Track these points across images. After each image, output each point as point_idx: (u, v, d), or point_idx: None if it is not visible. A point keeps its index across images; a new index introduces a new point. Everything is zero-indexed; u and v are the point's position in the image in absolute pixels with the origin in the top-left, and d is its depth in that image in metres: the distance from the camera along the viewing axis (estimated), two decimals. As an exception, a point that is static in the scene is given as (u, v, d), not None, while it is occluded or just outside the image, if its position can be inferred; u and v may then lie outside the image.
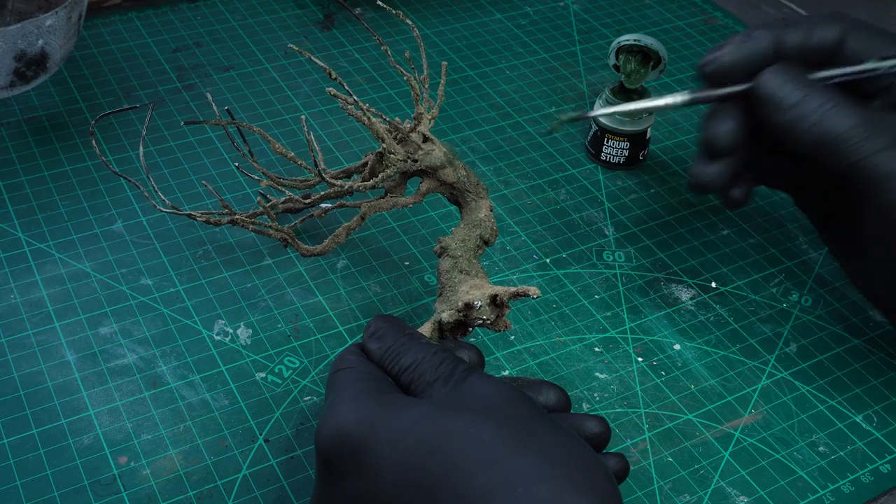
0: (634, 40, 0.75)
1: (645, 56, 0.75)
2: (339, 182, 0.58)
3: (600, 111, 0.60)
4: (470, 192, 0.58)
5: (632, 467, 0.55)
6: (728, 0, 0.99)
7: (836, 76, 0.56)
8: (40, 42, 0.66)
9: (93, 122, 0.58)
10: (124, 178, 0.61)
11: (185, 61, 0.82)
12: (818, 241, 0.70)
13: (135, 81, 0.79)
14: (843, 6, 0.99)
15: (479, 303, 0.52)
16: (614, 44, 0.76)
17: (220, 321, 0.61)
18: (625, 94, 0.76)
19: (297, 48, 0.59)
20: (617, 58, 0.76)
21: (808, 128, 0.54)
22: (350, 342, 0.61)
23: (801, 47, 0.56)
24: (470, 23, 0.91)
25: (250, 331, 0.61)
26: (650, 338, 0.63)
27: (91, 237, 0.66)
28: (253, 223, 0.60)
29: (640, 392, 0.59)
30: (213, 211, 0.62)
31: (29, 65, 0.67)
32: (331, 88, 0.56)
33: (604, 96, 0.77)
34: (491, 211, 0.58)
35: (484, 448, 0.40)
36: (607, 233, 0.70)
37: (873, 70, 0.55)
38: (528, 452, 0.40)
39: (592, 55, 0.88)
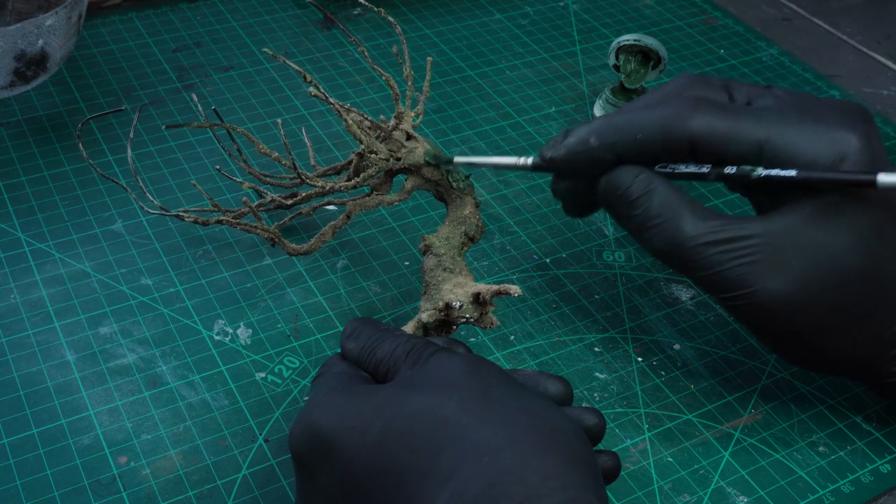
0: (634, 40, 0.75)
1: (645, 56, 0.76)
2: (320, 183, 0.58)
3: (461, 159, 0.58)
4: (454, 189, 0.58)
5: (632, 467, 0.55)
6: (728, 0, 0.99)
7: (678, 173, 0.53)
8: (40, 42, 0.66)
9: (78, 126, 0.58)
10: (111, 180, 0.61)
11: (185, 61, 0.82)
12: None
13: (135, 81, 0.79)
14: (842, 7, 0.99)
15: (459, 303, 0.52)
16: (614, 44, 0.76)
17: (220, 321, 0.61)
18: (625, 93, 0.76)
19: (271, 52, 0.59)
20: (617, 58, 0.76)
21: (651, 237, 0.52)
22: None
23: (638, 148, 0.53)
24: (470, 23, 0.91)
25: (250, 330, 0.61)
26: (650, 337, 0.63)
27: (91, 237, 0.66)
28: (239, 223, 0.59)
29: (639, 392, 0.59)
30: (203, 209, 0.62)
31: (29, 65, 0.67)
32: (311, 89, 0.56)
33: (604, 96, 0.77)
34: (476, 208, 0.58)
35: (447, 424, 0.41)
36: (607, 233, 0.70)
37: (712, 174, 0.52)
38: (491, 421, 0.41)
39: (592, 55, 0.88)
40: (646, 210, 0.52)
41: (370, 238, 0.68)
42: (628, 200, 0.52)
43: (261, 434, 0.55)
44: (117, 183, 0.61)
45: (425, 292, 0.55)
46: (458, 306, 0.52)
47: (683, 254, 0.51)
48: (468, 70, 0.85)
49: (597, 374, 0.60)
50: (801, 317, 0.50)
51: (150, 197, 0.61)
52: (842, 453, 0.57)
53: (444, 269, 0.55)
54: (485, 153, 0.76)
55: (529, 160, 0.56)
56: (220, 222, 0.60)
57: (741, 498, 0.54)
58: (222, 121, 0.58)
